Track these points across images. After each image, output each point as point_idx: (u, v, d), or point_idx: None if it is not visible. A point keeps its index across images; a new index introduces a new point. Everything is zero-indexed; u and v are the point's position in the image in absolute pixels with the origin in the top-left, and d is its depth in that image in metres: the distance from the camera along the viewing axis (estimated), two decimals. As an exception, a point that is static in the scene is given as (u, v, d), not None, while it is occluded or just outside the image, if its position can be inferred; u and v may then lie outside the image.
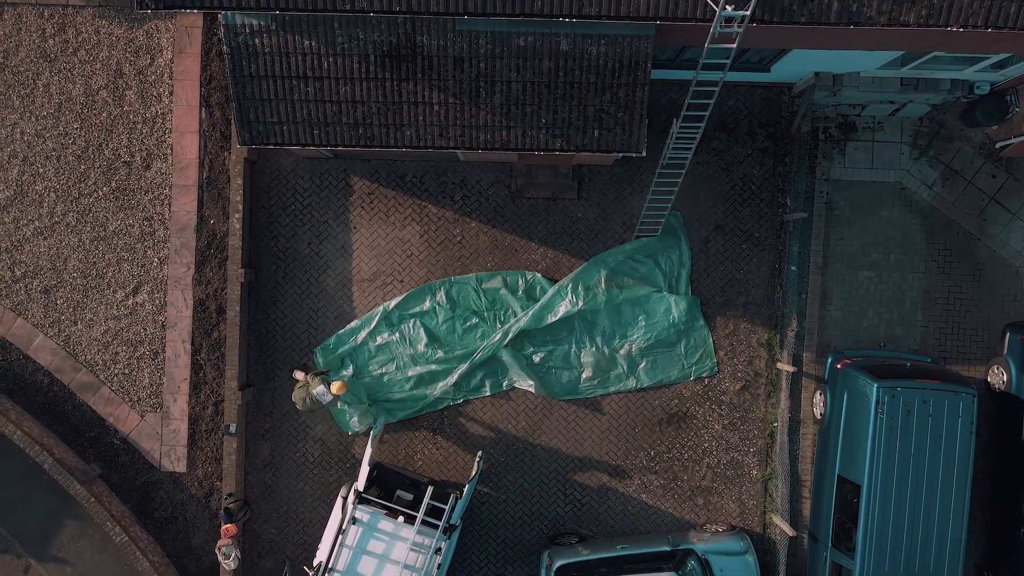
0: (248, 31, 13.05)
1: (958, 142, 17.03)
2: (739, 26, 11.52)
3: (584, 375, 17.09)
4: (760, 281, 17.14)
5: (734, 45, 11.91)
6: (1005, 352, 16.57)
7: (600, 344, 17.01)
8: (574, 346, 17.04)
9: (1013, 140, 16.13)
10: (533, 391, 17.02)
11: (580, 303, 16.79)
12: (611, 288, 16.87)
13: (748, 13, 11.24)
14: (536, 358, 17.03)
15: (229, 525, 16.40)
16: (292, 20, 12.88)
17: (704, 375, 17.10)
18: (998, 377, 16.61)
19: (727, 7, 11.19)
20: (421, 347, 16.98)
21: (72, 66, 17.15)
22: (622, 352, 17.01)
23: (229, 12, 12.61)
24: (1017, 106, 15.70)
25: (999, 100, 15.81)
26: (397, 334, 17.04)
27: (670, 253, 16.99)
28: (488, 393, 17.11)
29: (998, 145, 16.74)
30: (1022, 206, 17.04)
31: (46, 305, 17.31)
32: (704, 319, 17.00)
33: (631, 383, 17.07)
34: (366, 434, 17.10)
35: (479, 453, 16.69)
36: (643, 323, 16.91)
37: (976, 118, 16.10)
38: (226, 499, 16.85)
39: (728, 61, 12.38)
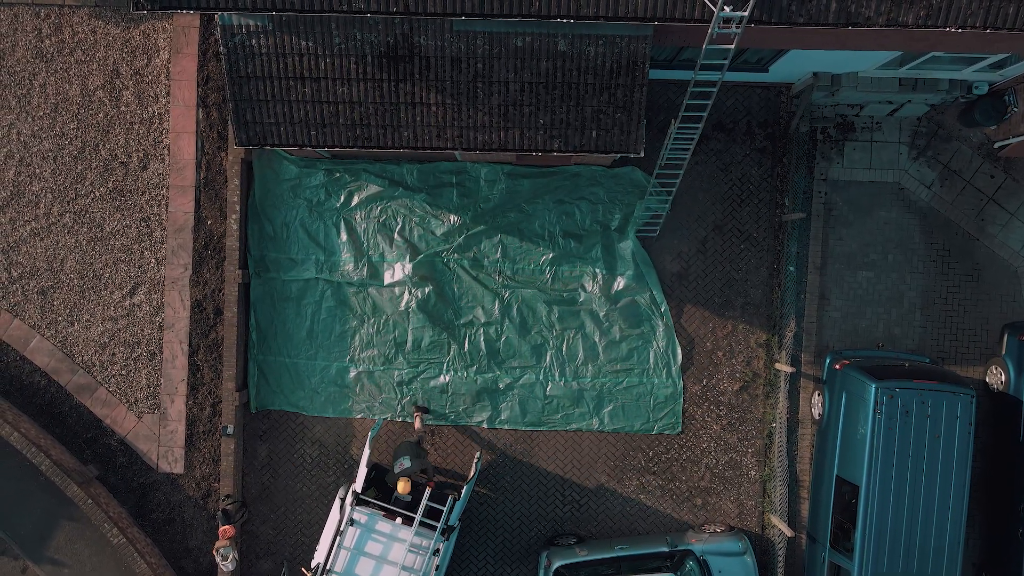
0: (245, 32, 13.01)
1: (956, 142, 17.01)
2: (737, 27, 11.50)
3: (548, 407, 17.05)
4: (758, 282, 17.12)
5: (732, 46, 11.89)
6: (1003, 352, 16.57)
7: (569, 378, 16.97)
8: (542, 376, 16.98)
9: (1012, 140, 16.12)
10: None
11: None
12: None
13: (746, 14, 11.22)
14: (501, 384, 17.00)
15: (227, 526, 16.39)
16: (289, 21, 12.85)
17: (666, 432, 17.10)
18: (996, 377, 16.60)
19: (725, 8, 11.17)
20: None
21: (68, 66, 17.11)
22: (590, 389, 16.94)
23: (226, 13, 12.56)
24: (1016, 106, 15.68)
25: (997, 100, 15.80)
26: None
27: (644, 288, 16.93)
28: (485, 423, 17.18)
29: (996, 145, 16.73)
30: (1020, 206, 17.03)
31: (43, 306, 17.27)
32: (682, 380, 17.00)
33: (594, 424, 17.07)
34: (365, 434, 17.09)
35: (477, 454, 16.68)
36: (618, 364, 16.86)
37: (975, 118, 16.09)
38: (224, 500, 16.82)
39: (726, 62, 12.36)
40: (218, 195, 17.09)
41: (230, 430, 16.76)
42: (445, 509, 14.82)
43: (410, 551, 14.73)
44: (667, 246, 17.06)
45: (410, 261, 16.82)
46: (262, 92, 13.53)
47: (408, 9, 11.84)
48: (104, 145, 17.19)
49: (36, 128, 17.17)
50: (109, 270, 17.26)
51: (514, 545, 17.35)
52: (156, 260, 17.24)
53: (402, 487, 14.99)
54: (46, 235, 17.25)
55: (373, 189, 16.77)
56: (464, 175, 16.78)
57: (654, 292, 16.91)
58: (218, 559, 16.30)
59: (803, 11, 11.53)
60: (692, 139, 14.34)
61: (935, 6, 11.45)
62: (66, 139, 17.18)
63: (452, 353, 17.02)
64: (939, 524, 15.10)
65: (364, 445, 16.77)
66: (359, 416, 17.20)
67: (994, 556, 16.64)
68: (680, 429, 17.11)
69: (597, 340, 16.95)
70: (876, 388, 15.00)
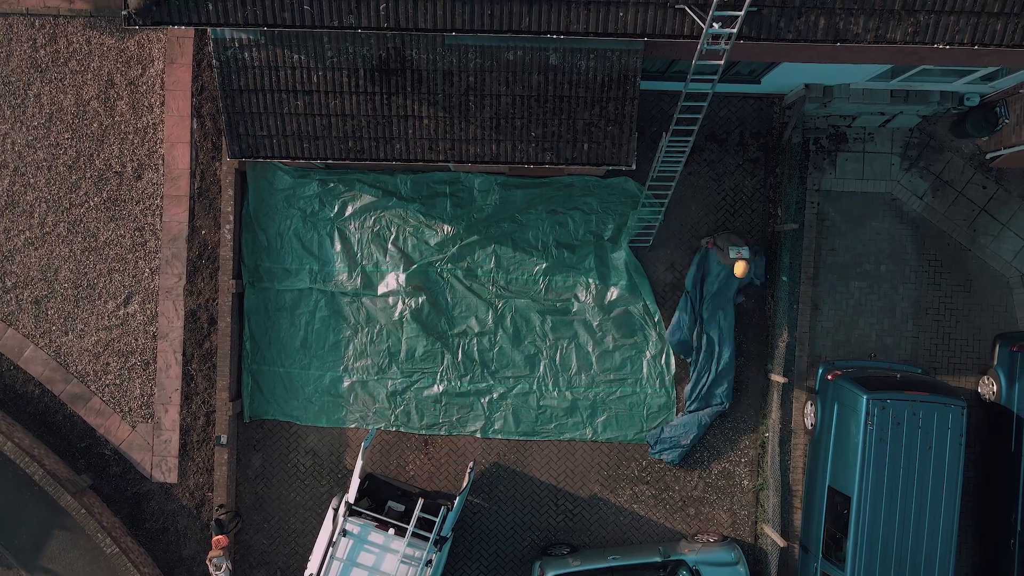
0: (237, 45, 13.05)
1: (948, 153, 17.06)
2: (726, 43, 11.54)
3: (542, 417, 17.08)
4: (751, 292, 17.14)
5: (722, 61, 11.92)
6: (995, 363, 16.60)
7: (563, 388, 17.00)
8: (535, 386, 17.00)
9: (1003, 151, 16.16)
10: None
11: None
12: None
13: (735, 31, 11.26)
14: (495, 394, 17.03)
15: (220, 536, 16.42)
16: (281, 34, 12.88)
17: None
18: (988, 388, 16.64)
19: (714, 24, 11.21)
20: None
21: (63, 76, 17.14)
22: (583, 399, 16.96)
23: (218, 28, 12.58)
24: (1007, 117, 15.73)
25: (989, 111, 15.84)
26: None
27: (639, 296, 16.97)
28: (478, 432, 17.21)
29: (988, 156, 16.77)
30: (1012, 217, 17.07)
31: (37, 316, 17.29)
32: (675, 390, 17.06)
33: (588, 433, 17.10)
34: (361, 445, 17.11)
35: (470, 464, 16.70)
36: (612, 374, 16.92)
37: (966, 129, 16.13)
38: (217, 510, 16.84)
39: (716, 77, 12.41)
40: (212, 205, 17.12)
41: (224, 440, 16.79)
42: (438, 520, 14.85)
43: (403, 562, 14.75)
44: (660, 256, 17.10)
45: (404, 271, 16.85)
46: (255, 105, 13.57)
47: (399, 25, 11.88)
48: (99, 155, 17.22)
49: (31, 138, 17.20)
50: (103, 280, 17.28)
51: (507, 555, 17.37)
52: (150, 270, 17.27)
53: (740, 270, 15.46)
54: (40, 245, 17.28)
55: (367, 199, 16.81)
56: (458, 185, 16.82)
57: (647, 302, 16.94)
58: (211, 569, 16.31)
59: (792, 28, 11.57)
60: (684, 150, 14.38)
61: (923, 23, 11.49)
62: (60, 149, 17.21)
63: (446, 363, 17.05)
64: (931, 535, 15.13)
65: (357, 455, 16.80)
66: (353, 426, 17.23)
67: (987, 567, 16.67)
68: None
69: (590, 350, 16.98)
70: (868, 399, 15.04)
